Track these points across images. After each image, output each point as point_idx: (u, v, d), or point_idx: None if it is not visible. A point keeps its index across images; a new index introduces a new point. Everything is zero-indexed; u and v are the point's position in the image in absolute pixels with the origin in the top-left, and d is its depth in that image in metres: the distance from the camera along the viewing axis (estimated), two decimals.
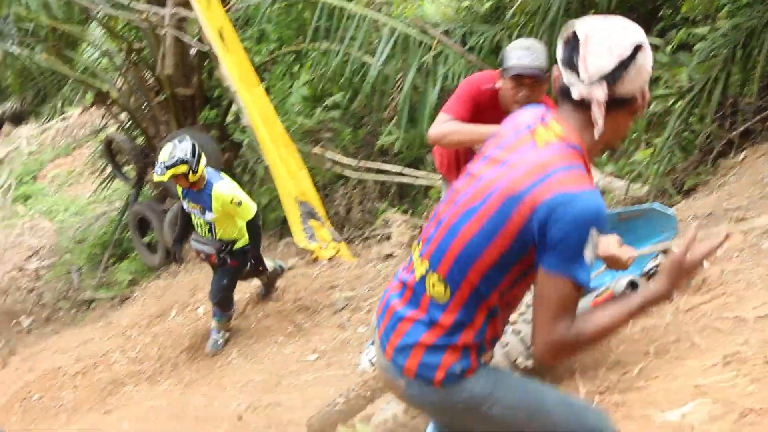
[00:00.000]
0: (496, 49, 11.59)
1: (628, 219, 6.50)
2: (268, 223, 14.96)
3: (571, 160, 3.36)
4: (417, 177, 12.91)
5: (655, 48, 9.79)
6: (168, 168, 10.04)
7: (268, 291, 12.02)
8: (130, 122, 16.36)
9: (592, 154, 3.50)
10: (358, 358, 8.38)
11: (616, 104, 3.38)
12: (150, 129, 15.68)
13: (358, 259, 12.50)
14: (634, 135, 10.35)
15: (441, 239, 3.56)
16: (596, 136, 3.43)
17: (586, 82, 3.35)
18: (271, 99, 13.94)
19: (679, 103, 9.41)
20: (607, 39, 3.32)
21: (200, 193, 10.43)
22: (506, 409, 3.55)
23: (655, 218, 6.50)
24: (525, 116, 3.66)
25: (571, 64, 3.39)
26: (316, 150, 13.70)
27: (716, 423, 4.86)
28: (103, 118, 19.38)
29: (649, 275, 5.79)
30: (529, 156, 3.42)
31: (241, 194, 10.49)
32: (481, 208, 3.43)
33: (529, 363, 5.90)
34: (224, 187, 10.40)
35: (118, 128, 16.72)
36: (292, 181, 12.60)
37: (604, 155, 10.32)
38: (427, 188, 12.90)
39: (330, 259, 12.57)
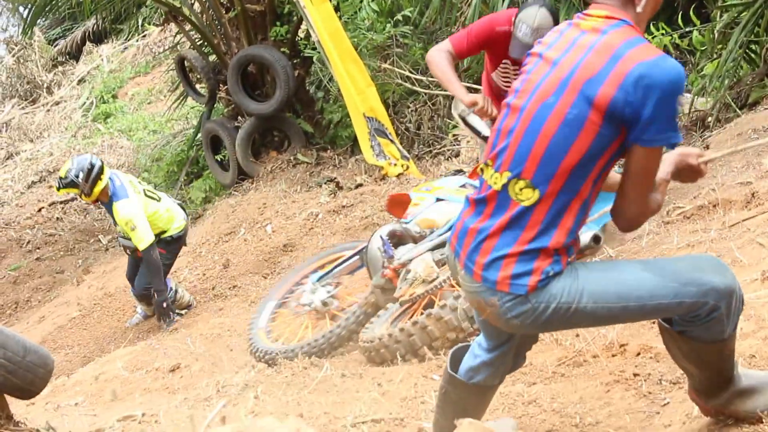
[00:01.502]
0: None
1: None
2: (341, 139, 14.91)
3: (631, 35, 3.43)
4: None
5: None
6: (62, 187, 10.43)
7: (147, 317, 11.61)
8: (202, 40, 16.28)
9: (639, 28, 3.52)
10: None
11: None
12: (221, 46, 15.61)
13: (427, 176, 12.41)
14: (704, 48, 10.10)
15: (519, 144, 3.54)
16: (639, 10, 3.49)
17: None
18: (341, 14, 13.82)
19: (745, 13, 9.14)
20: None
21: (108, 203, 10.55)
22: (597, 300, 3.55)
23: None
24: (554, 29, 3.71)
25: None
26: (386, 66, 13.56)
27: (747, 340, 4.75)
28: (177, 35, 19.38)
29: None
30: (586, 41, 3.47)
31: (139, 221, 10.43)
32: (559, 102, 3.44)
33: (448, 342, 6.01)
34: (123, 208, 10.45)
35: (190, 46, 16.64)
36: (360, 97, 12.51)
37: None
38: None
39: (398, 176, 12.50)
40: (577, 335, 5.82)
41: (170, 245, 10.93)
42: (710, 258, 3.77)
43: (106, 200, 10.49)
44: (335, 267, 7.74)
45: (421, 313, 6.36)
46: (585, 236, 5.44)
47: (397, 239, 7.00)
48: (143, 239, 10.38)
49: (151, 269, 10.57)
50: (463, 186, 7.38)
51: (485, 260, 3.58)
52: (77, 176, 10.22)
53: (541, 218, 3.50)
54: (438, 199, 7.21)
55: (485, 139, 7.10)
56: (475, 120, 7.33)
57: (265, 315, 7.78)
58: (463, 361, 4.27)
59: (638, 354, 5.35)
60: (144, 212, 10.50)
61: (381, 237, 6.97)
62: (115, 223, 10.68)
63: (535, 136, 3.48)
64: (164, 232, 10.83)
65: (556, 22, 6.58)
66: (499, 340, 4.05)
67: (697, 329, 3.64)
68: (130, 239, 10.59)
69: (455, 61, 7.32)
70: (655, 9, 3.58)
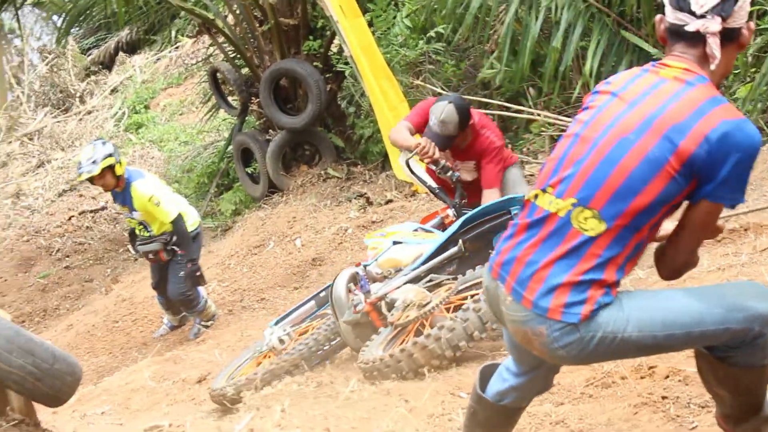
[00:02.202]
0: None
1: None
2: (372, 155, 14.91)
3: (713, 93, 3.48)
4: (519, 111, 12.72)
5: None
6: (100, 161, 10.20)
7: (173, 327, 11.73)
8: (235, 52, 16.32)
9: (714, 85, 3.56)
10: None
11: (727, 37, 3.49)
12: (254, 59, 15.65)
13: None
14: (737, 71, 10.07)
15: (591, 173, 3.54)
16: (712, 68, 3.51)
17: (699, 16, 3.45)
18: (374, 30, 13.83)
19: None
20: None
21: (123, 192, 10.53)
22: (642, 328, 3.53)
23: None
24: (624, 73, 3.79)
25: (681, 4, 3.48)
26: (418, 82, 13.57)
27: None
28: (210, 47, 19.44)
29: None
30: (669, 88, 3.51)
31: (162, 195, 10.48)
32: (640, 140, 3.46)
33: (484, 335, 6.32)
34: (143, 187, 10.45)
35: (223, 58, 16.69)
36: (392, 113, 12.48)
37: None
38: (529, 122, 12.72)
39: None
40: None
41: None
42: (754, 284, 3.80)
43: (122, 188, 10.48)
44: (291, 312, 8.13)
45: (416, 334, 6.62)
46: None
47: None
48: (169, 211, 10.42)
49: (182, 239, 10.63)
50: (416, 230, 7.71)
51: (538, 287, 3.56)
52: (108, 148, 10.28)
53: (600, 251, 3.51)
54: (395, 242, 7.50)
55: (428, 187, 7.84)
56: (417, 168, 7.82)
57: (231, 368, 7.93)
58: (490, 383, 4.26)
59: (667, 377, 5.32)
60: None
61: (356, 274, 7.28)
62: (133, 209, 10.56)
63: (611, 168, 3.49)
64: None
65: (462, 117, 7.64)
66: (529, 365, 4.05)
67: (739, 355, 3.64)
68: (150, 241, 10.61)
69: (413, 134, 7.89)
70: (725, 72, 3.65)
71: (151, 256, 10.90)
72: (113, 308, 13.02)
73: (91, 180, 10.36)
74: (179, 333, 11.39)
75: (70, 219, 19.11)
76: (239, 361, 8.04)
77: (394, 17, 13.79)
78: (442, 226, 7.61)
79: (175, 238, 10.63)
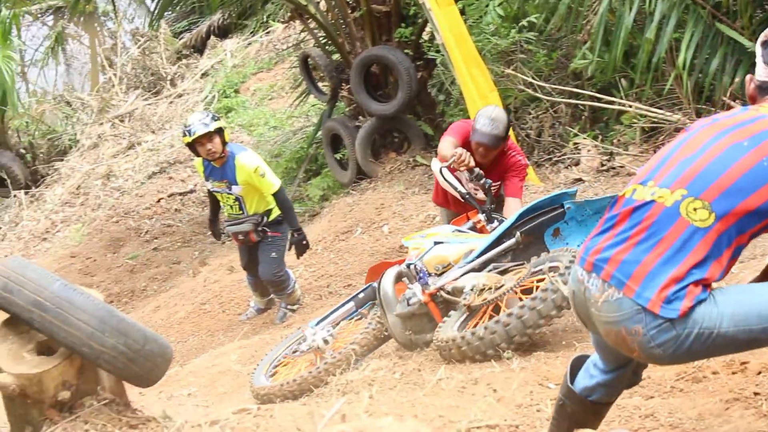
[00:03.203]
0: None
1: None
2: None
3: None
4: (611, 102, 12.61)
5: None
6: (212, 122, 10.17)
7: (260, 311, 11.76)
8: (327, 38, 16.35)
9: None
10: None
11: None
12: (345, 45, 15.66)
13: (545, 183, 12.35)
14: None
15: (704, 169, 3.57)
16: None
17: None
18: (466, 18, 13.77)
19: None
20: None
21: (223, 167, 10.45)
22: (737, 323, 3.53)
23: None
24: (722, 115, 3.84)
25: None
26: (509, 71, 13.50)
27: None
28: (301, 33, 19.50)
29: None
30: None
31: (265, 167, 10.44)
32: (755, 148, 3.50)
33: (524, 339, 6.60)
34: (247, 158, 10.41)
35: (315, 44, 16.73)
36: (483, 101, 12.40)
37: None
38: (620, 114, 12.59)
39: None
40: None
41: (281, 226, 10.85)
42: None
43: (224, 161, 10.42)
44: (330, 313, 8.37)
45: (490, 317, 6.92)
46: None
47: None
48: (273, 182, 10.41)
49: (287, 209, 10.64)
50: (454, 231, 8.14)
51: (643, 276, 3.56)
52: (215, 114, 10.32)
53: (706, 248, 3.51)
54: (436, 243, 7.87)
55: (460, 193, 8.21)
56: (449, 175, 8.26)
57: (268, 362, 8.22)
58: (578, 378, 4.30)
59: (759, 372, 5.26)
60: None
61: (414, 266, 7.63)
62: (233, 184, 10.51)
63: (724, 168, 3.52)
64: (271, 210, 10.76)
65: (508, 119, 8.51)
66: (617, 363, 4.07)
67: None
68: (241, 221, 10.64)
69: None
70: None
71: (240, 236, 10.83)
72: (200, 291, 13.12)
73: (193, 146, 10.28)
74: (265, 317, 11.43)
75: (159, 201, 19.32)
76: (274, 355, 8.30)
77: (487, 5, 13.71)
78: (474, 229, 8.09)
79: (265, 219, 10.63)
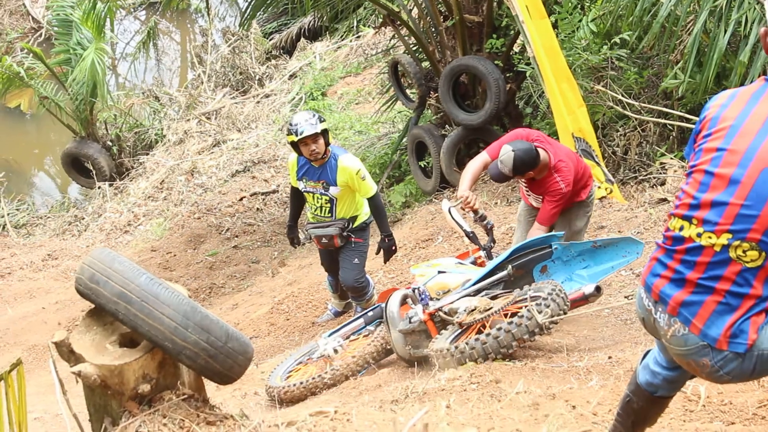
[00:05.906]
0: None
1: (600, 247, 8.45)
2: None
3: None
4: None
5: None
6: (318, 123, 10.15)
7: (338, 314, 11.82)
8: (417, 46, 16.36)
9: None
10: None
11: None
12: (436, 53, 15.68)
13: (630, 202, 12.28)
14: None
15: (742, 208, 3.58)
16: None
17: None
18: (559, 32, 13.71)
19: None
20: None
21: (323, 167, 10.41)
22: None
23: (623, 245, 8.44)
24: (738, 94, 3.78)
25: None
26: (599, 87, 13.42)
27: None
28: (392, 39, 19.53)
29: None
30: None
31: (365, 170, 10.52)
32: None
33: (499, 356, 7.40)
34: (350, 160, 10.43)
35: (405, 51, 16.75)
36: (571, 116, 12.36)
37: None
38: None
39: (601, 199, 12.40)
40: None
41: (364, 232, 10.88)
42: None
43: (325, 161, 10.37)
44: (342, 327, 9.37)
45: (478, 333, 7.67)
46: (588, 288, 7.85)
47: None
48: (372, 186, 10.44)
49: (380, 214, 10.61)
50: (456, 264, 9.04)
51: (707, 316, 3.68)
52: (322, 119, 10.33)
53: (762, 282, 3.59)
54: (440, 272, 8.75)
55: (464, 231, 9.02)
56: (457, 215, 9.06)
57: (285, 367, 9.11)
58: (640, 373, 4.45)
59: None
60: None
61: (406, 295, 8.54)
62: (332, 184, 10.44)
63: (762, 204, 3.53)
64: (357, 217, 10.78)
65: (517, 165, 8.68)
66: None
67: None
68: (327, 225, 10.65)
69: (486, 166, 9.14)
70: None
71: (324, 240, 10.78)
72: (279, 291, 13.17)
73: (297, 145, 10.23)
74: (342, 319, 11.44)
75: (241, 200, 19.45)
76: (291, 359, 9.18)
77: (580, 20, 13.64)
78: (475, 264, 9.03)
79: (351, 225, 10.64)
